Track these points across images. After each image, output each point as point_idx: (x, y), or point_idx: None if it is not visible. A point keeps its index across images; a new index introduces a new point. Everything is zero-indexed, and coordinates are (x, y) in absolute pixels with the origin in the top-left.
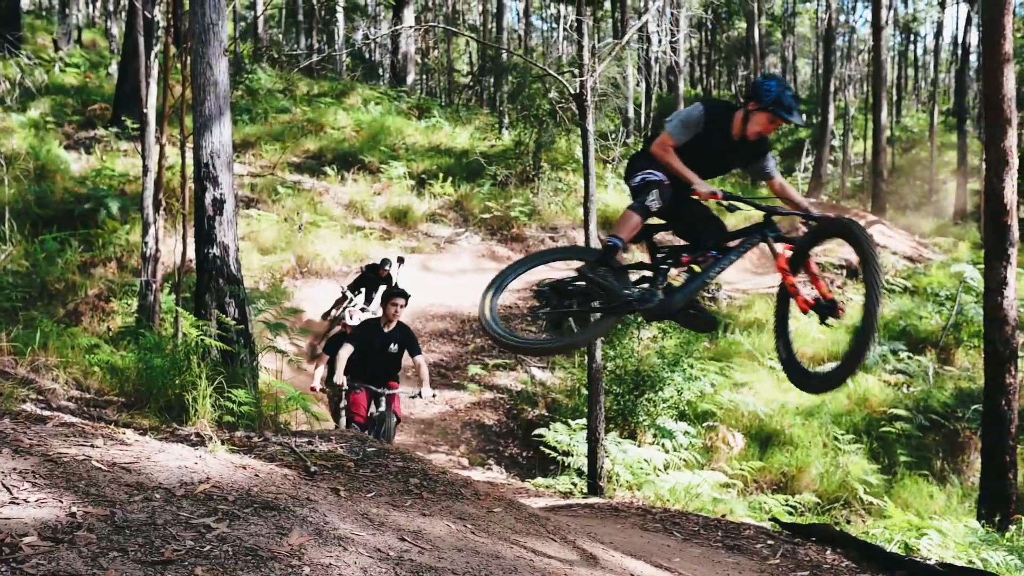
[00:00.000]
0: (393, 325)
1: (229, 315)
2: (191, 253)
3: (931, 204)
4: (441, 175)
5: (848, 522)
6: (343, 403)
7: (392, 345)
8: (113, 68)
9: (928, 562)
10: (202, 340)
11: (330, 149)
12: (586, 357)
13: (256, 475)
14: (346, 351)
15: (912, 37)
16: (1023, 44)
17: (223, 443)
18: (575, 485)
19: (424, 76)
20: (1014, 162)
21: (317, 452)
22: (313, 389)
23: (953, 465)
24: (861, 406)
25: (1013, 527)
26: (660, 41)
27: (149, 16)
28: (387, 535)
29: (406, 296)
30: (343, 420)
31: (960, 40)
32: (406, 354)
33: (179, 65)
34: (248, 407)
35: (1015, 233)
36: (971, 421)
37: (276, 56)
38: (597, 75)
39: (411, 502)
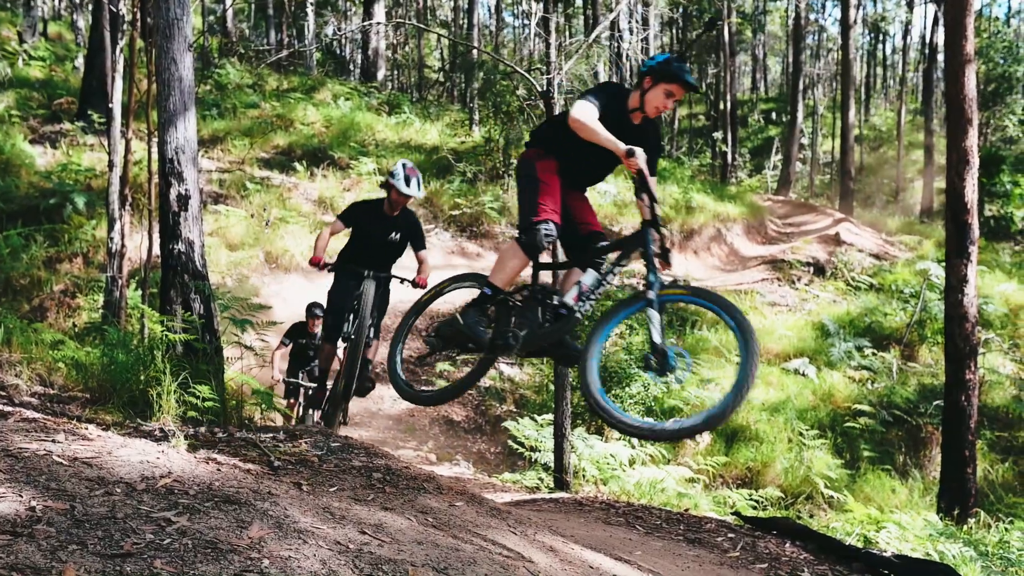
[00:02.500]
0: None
1: (194, 311)
2: (157, 249)
3: (898, 202)
4: None
5: (811, 516)
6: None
7: (393, 233)
8: (79, 62)
9: (884, 554)
10: (166, 336)
11: (299, 145)
12: None
13: (218, 470)
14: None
15: (881, 36)
16: (988, 44)
17: (186, 438)
18: (542, 480)
19: (395, 72)
20: (974, 161)
21: (281, 447)
22: (275, 382)
23: (915, 460)
24: (826, 402)
25: (971, 520)
26: (631, 39)
27: (115, 10)
28: (348, 528)
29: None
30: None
31: (928, 39)
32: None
33: (146, 59)
34: (212, 402)
35: (975, 232)
36: (933, 417)
37: (243, 51)
38: (564, 72)
39: (373, 496)
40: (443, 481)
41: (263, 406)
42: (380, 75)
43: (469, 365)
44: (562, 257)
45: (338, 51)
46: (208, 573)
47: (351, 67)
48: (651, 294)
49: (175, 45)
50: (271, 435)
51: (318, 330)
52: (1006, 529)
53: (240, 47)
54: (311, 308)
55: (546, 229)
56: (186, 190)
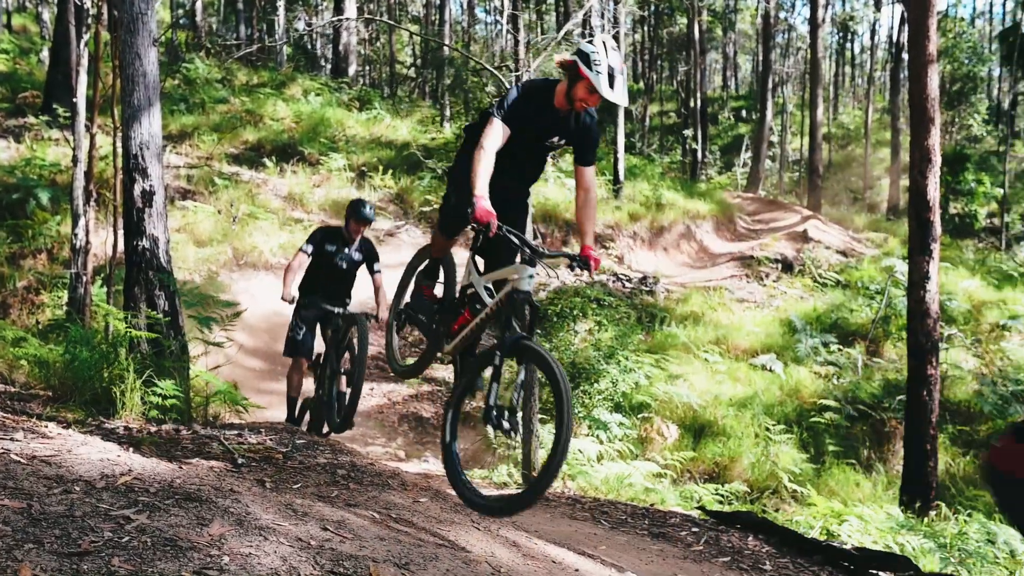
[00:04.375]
0: (357, 240)
1: (159, 308)
2: (123, 245)
3: (865, 200)
4: (382, 167)
5: (776, 510)
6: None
7: (355, 253)
8: (44, 55)
9: (845, 547)
10: (130, 333)
11: (269, 140)
12: None
13: (180, 467)
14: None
15: (849, 35)
16: (954, 44)
17: (149, 436)
18: (511, 476)
19: (366, 68)
20: (937, 160)
21: (246, 444)
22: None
23: (879, 454)
24: (793, 397)
25: (932, 513)
26: (601, 35)
27: (79, 3)
28: (310, 525)
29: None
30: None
31: (895, 39)
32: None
33: (111, 53)
34: (176, 400)
35: (938, 229)
36: (896, 411)
37: (210, 46)
38: (533, 70)
39: (337, 493)
40: (408, 478)
41: (228, 403)
42: (351, 71)
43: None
44: None
45: (309, 46)
46: (167, 571)
47: (322, 62)
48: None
49: (139, 40)
50: (236, 432)
51: (359, 239)
52: (965, 521)
53: (209, 41)
54: (356, 206)
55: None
56: (151, 186)
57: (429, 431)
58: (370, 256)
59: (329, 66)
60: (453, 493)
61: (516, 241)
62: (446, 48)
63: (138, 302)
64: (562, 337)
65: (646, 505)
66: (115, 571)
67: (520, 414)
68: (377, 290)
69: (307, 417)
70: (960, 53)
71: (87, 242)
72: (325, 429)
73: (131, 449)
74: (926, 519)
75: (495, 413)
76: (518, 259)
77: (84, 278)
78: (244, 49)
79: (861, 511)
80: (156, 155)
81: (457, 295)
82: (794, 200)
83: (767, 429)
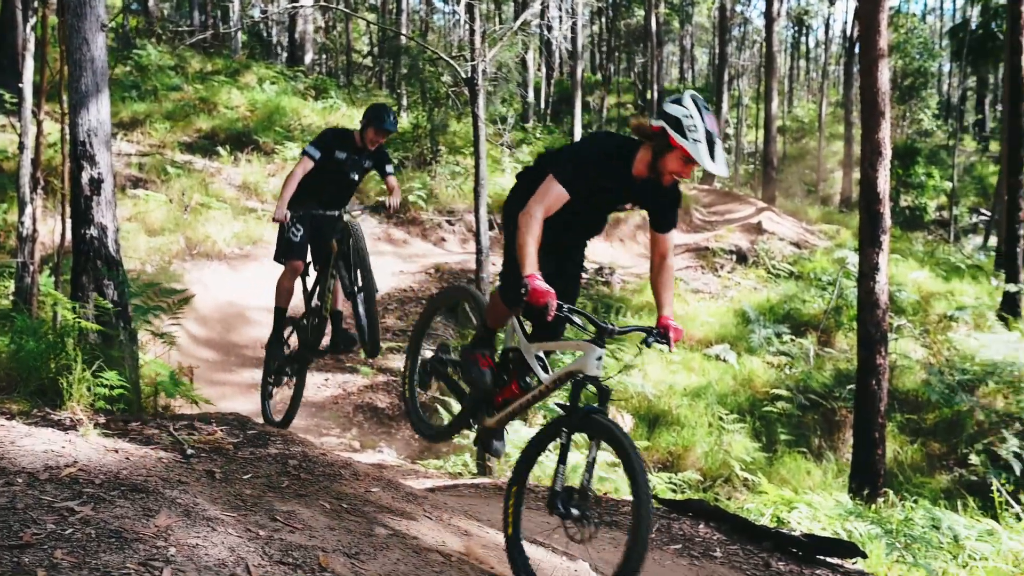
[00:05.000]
0: (373, 149)
1: (107, 297)
2: (71, 234)
3: (819, 192)
4: None
5: (728, 498)
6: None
7: (367, 162)
8: None
9: (794, 533)
10: (78, 323)
11: (223, 129)
12: None
13: (127, 458)
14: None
15: (804, 29)
16: (905, 40)
17: (96, 427)
18: (465, 466)
19: (322, 56)
20: (887, 153)
21: (196, 435)
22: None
23: (830, 442)
24: (746, 387)
25: (880, 500)
26: (560, 26)
27: None
28: (259, 515)
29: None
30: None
31: (849, 33)
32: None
33: (58, 38)
34: (125, 390)
35: (887, 221)
36: (847, 400)
37: (162, 32)
38: (488, 60)
39: (288, 483)
40: (360, 468)
41: (178, 393)
42: (307, 59)
43: None
44: None
45: (264, 34)
46: (111, 563)
47: (277, 50)
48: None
49: (87, 24)
50: (186, 423)
51: (373, 148)
52: (911, 508)
53: (161, 27)
54: (379, 112)
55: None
56: (99, 173)
57: (384, 421)
58: (382, 159)
59: (285, 54)
60: (410, 484)
61: (580, 321)
62: (403, 37)
63: (86, 291)
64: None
65: (599, 494)
66: (58, 563)
67: (592, 496)
68: (392, 189)
69: (294, 340)
70: (911, 48)
71: (34, 230)
72: (320, 345)
73: (77, 440)
74: (874, 506)
75: (563, 498)
76: (583, 337)
77: (31, 267)
78: (198, 36)
79: (811, 498)
80: (104, 142)
81: (499, 359)
82: (749, 192)
83: (720, 418)
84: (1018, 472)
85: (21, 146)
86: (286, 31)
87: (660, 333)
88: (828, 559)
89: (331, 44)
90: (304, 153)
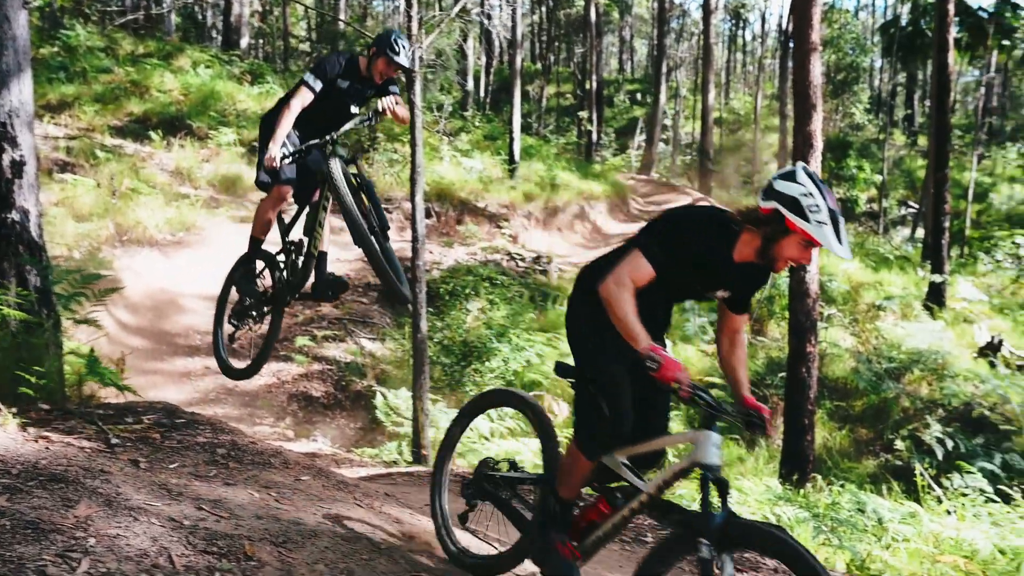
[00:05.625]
0: (380, 81)
1: (29, 284)
2: None
3: (754, 183)
4: None
5: None
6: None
7: (368, 91)
8: None
9: None
10: None
11: (155, 113)
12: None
13: (47, 448)
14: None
15: (741, 23)
16: (839, 35)
17: (15, 416)
18: (401, 454)
19: (259, 40)
20: (818, 145)
21: (122, 424)
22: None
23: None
24: None
25: (809, 485)
26: (499, 14)
27: None
28: (184, 505)
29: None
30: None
31: (784, 27)
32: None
33: None
34: (48, 380)
35: None
36: (779, 388)
37: (90, 11)
38: (426, 46)
39: (216, 472)
40: (291, 456)
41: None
42: (243, 43)
43: None
44: None
45: (199, 16)
46: (26, 554)
47: (213, 34)
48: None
49: (8, 2)
50: (113, 411)
51: (380, 82)
52: (838, 492)
53: (89, 7)
54: (390, 42)
55: None
56: (21, 156)
57: (319, 410)
58: (388, 85)
59: (220, 38)
60: (343, 472)
61: (710, 403)
62: (341, 23)
63: (7, 277)
64: (454, 316)
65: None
66: None
67: None
68: (395, 113)
69: (267, 278)
70: (844, 44)
71: None
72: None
73: None
74: (803, 491)
75: None
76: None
77: None
78: (129, 16)
79: (742, 484)
80: (27, 123)
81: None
82: (686, 183)
83: None
84: (940, 457)
85: None
86: (221, 14)
87: (758, 417)
88: None
89: (268, 29)
90: (302, 83)
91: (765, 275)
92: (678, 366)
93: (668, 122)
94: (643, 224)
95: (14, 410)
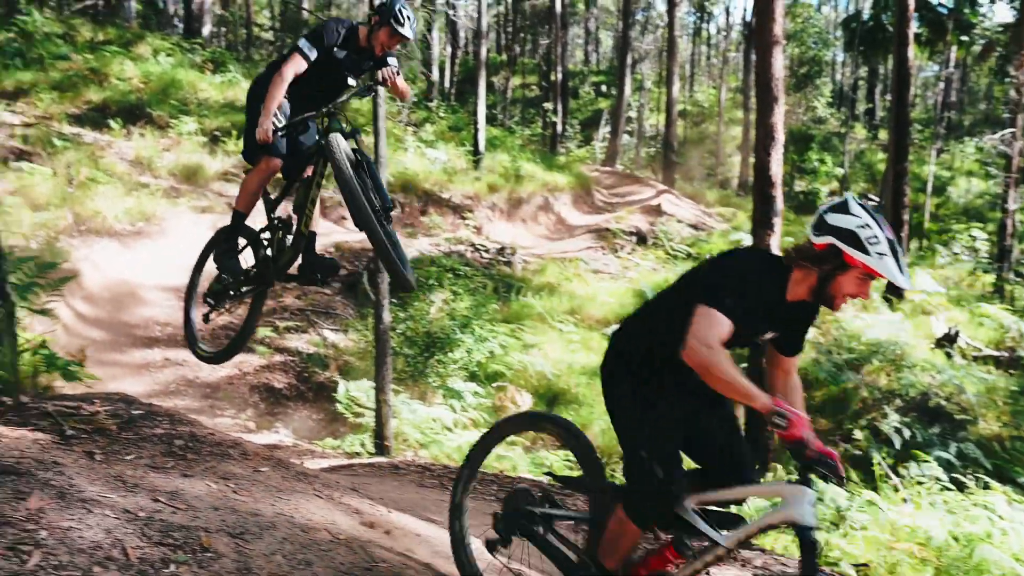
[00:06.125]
0: (380, 52)
1: None
2: None
3: (717, 176)
4: (236, 132)
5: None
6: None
7: (367, 63)
8: None
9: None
10: None
11: (115, 101)
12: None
13: None
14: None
15: (706, 16)
16: (802, 28)
17: None
18: (363, 445)
19: (221, 28)
20: (780, 138)
21: (78, 415)
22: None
23: None
24: None
25: (769, 475)
26: (464, 4)
27: None
28: (140, 497)
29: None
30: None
31: (748, 21)
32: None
33: None
34: (2, 370)
35: (780, 204)
36: None
37: None
38: None
39: (173, 464)
40: (250, 447)
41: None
42: (205, 31)
43: None
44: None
45: (160, 3)
46: None
47: (174, 21)
48: None
49: None
50: (69, 403)
51: (380, 54)
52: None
53: None
54: (396, 11)
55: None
56: None
57: (281, 401)
58: (387, 57)
59: (181, 26)
60: (305, 463)
61: (831, 467)
62: (304, 11)
63: None
64: (418, 307)
65: (495, 472)
66: None
67: None
68: (395, 84)
69: (249, 257)
70: (807, 37)
71: None
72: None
73: None
74: (763, 480)
75: None
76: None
77: None
78: (87, 2)
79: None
80: None
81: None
82: (650, 175)
83: None
84: (898, 446)
85: None
86: (183, 1)
87: (831, 462)
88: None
89: (230, 17)
90: (296, 49)
91: (815, 313)
92: (805, 424)
93: (633, 114)
94: (684, 277)
95: None
